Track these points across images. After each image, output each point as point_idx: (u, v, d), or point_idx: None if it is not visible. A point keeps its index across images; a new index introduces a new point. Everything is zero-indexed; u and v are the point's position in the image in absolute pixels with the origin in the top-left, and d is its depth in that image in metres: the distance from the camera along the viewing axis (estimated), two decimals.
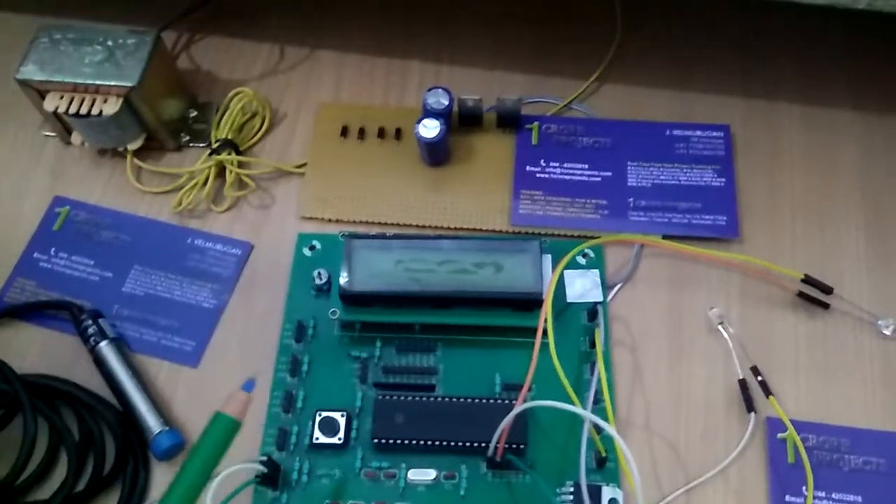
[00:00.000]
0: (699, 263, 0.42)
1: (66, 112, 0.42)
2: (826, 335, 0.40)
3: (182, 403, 0.39)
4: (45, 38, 0.42)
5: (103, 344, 0.39)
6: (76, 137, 0.45)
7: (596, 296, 0.41)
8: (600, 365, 0.37)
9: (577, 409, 0.32)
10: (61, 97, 0.42)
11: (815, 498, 0.36)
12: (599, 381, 0.37)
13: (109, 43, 0.42)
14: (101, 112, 0.42)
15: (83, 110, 0.42)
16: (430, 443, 0.36)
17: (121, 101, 0.42)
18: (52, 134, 0.46)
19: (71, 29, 0.43)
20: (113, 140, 0.44)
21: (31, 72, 0.41)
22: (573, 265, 0.41)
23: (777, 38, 0.49)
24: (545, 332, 0.37)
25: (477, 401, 0.37)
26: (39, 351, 0.40)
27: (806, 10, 0.37)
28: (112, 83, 0.41)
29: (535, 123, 0.45)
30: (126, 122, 0.43)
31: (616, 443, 0.31)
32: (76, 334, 0.40)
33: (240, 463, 0.35)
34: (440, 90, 0.43)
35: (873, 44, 0.48)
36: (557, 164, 0.45)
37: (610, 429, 0.31)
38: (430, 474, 0.36)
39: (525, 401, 0.36)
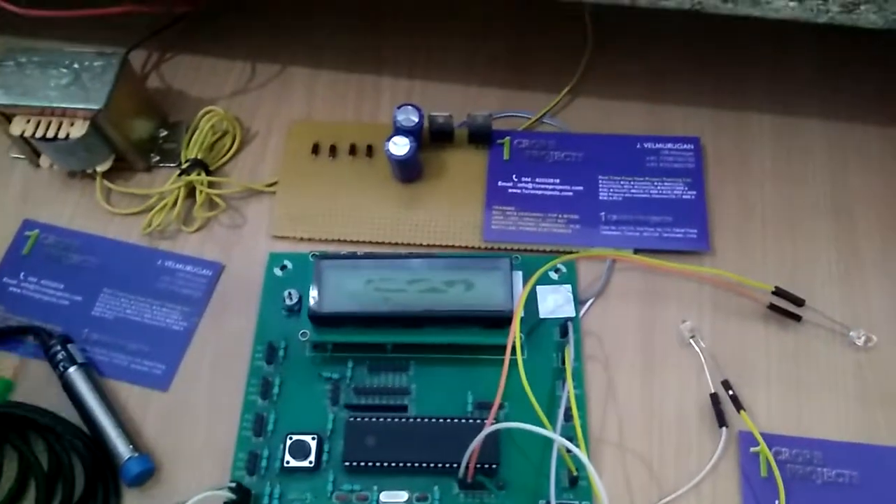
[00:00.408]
0: (671, 277, 0.42)
1: (33, 136, 0.42)
2: (798, 347, 0.40)
3: (152, 428, 0.39)
4: (10, 62, 0.42)
5: (72, 370, 0.39)
6: (45, 160, 0.45)
7: (568, 311, 0.41)
8: (569, 382, 0.37)
9: (544, 431, 0.32)
10: (28, 121, 0.42)
11: None
12: (569, 398, 0.37)
13: (76, 65, 0.42)
14: (67, 135, 0.41)
15: (50, 134, 0.41)
16: (401, 464, 0.36)
17: (87, 123, 0.41)
18: (21, 156, 0.46)
19: (36, 52, 0.43)
20: (81, 162, 0.44)
21: None
22: (546, 280, 0.41)
23: (747, 49, 0.49)
24: (514, 350, 0.36)
25: (449, 421, 0.37)
26: (8, 376, 0.40)
27: (772, 22, 0.37)
28: (78, 106, 0.41)
29: (507, 138, 0.45)
30: (94, 144, 0.43)
31: (583, 462, 0.31)
32: (45, 360, 0.40)
33: (209, 489, 0.34)
34: (410, 107, 0.43)
35: (844, 54, 0.48)
36: (529, 179, 0.44)
37: (576, 449, 0.31)
38: (402, 496, 0.36)
39: (497, 419, 0.36)
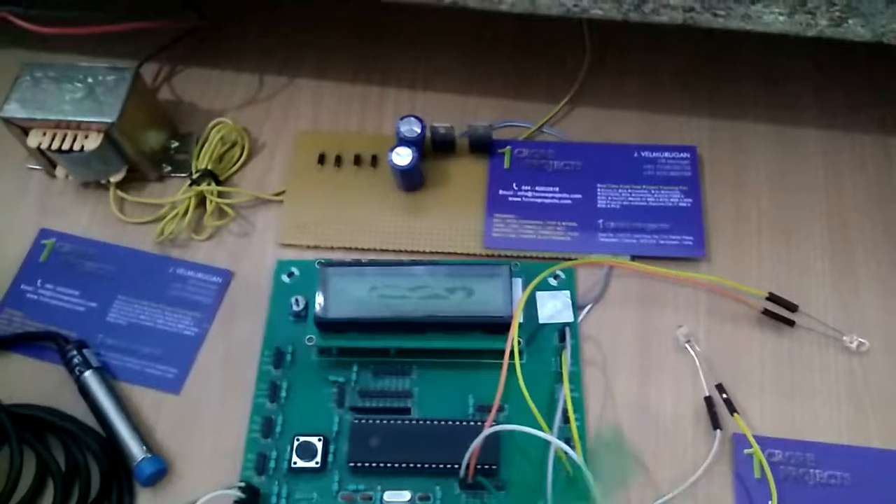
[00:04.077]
0: (667, 283, 0.43)
1: (49, 148, 0.43)
2: (792, 352, 0.41)
3: (165, 430, 0.40)
4: (27, 76, 0.44)
5: (88, 373, 0.40)
6: (60, 171, 0.46)
7: (567, 317, 0.42)
8: (566, 386, 0.38)
9: (541, 433, 0.33)
10: (44, 134, 0.43)
11: None
12: (566, 401, 0.38)
13: (90, 80, 0.43)
14: (82, 147, 0.43)
15: (65, 146, 0.43)
16: (404, 465, 0.37)
17: (101, 136, 0.43)
18: (38, 167, 0.47)
19: (52, 67, 0.44)
20: (96, 173, 0.45)
21: (13, 110, 0.43)
22: (545, 287, 0.42)
23: (742, 60, 0.50)
24: (514, 354, 0.38)
25: (450, 423, 0.38)
26: (27, 381, 0.41)
27: (766, 34, 0.38)
28: (92, 119, 0.43)
29: (508, 148, 0.47)
30: (108, 156, 0.44)
31: (578, 464, 0.32)
32: (62, 364, 0.41)
33: (219, 489, 0.36)
34: (412, 118, 0.44)
35: (840, 63, 0.49)
36: (529, 188, 0.46)
37: (571, 451, 0.32)
38: (404, 496, 0.37)
39: (496, 421, 0.37)
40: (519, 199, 0.45)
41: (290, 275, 0.43)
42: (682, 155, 0.46)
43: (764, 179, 0.46)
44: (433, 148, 0.46)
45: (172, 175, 0.47)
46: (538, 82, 0.49)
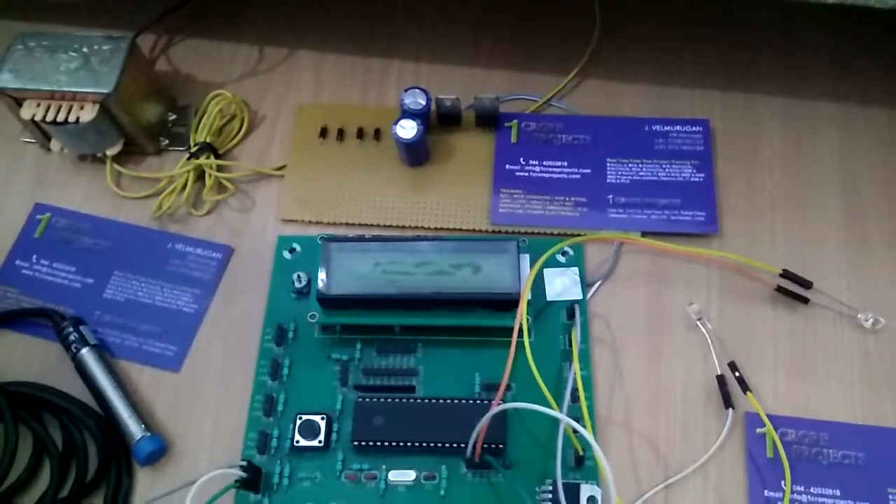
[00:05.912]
0: (678, 259, 0.42)
1: (44, 120, 0.42)
2: (805, 330, 0.40)
3: (164, 408, 0.39)
4: (20, 46, 0.42)
5: (84, 351, 0.39)
6: (55, 144, 0.45)
7: (575, 294, 0.41)
8: (576, 364, 0.37)
9: (551, 411, 0.32)
10: (38, 105, 0.42)
11: (793, 492, 0.36)
12: (576, 379, 0.37)
13: (85, 49, 0.42)
14: (78, 119, 0.42)
15: (60, 118, 0.42)
16: (409, 444, 0.37)
17: (97, 107, 0.42)
18: (32, 140, 0.46)
19: (46, 36, 0.43)
20: (92, 146, 0.44)
21: (6, 80, 0.41)
22: (553, 263, 0.41)
23: (757, 30, 0.49)
24: (522, 332, 0.37)
25: (456, 401, 0.37)
26: (22, 358, 0.41)
27: (782, 3, 0.37)
28: (88, 90, 0.41)
29: (515, 121, 0.45)
30: (104, 128, 0.43)
31: (589, 441, 0.31)
32: (58, 341, 0.40)
33: (220, 468, 0.35)
34: (417, 90, 0.43)
35: (854, 35, 0.48)
36: (537, 162, 0.44)
37: (582, 429, 0.31)
38: (410, 475, 0.37)
39: (504, 400, 0.36)
40: (526, 173, 0.44)
41: (292, 251, 0.42)
42: (694, 128, 0.45)
43: (777, 153, 0.45)
44: (438, 121, 0.45)
45: (170, 148, 0.46)
46: (547, 54, 0.48)
